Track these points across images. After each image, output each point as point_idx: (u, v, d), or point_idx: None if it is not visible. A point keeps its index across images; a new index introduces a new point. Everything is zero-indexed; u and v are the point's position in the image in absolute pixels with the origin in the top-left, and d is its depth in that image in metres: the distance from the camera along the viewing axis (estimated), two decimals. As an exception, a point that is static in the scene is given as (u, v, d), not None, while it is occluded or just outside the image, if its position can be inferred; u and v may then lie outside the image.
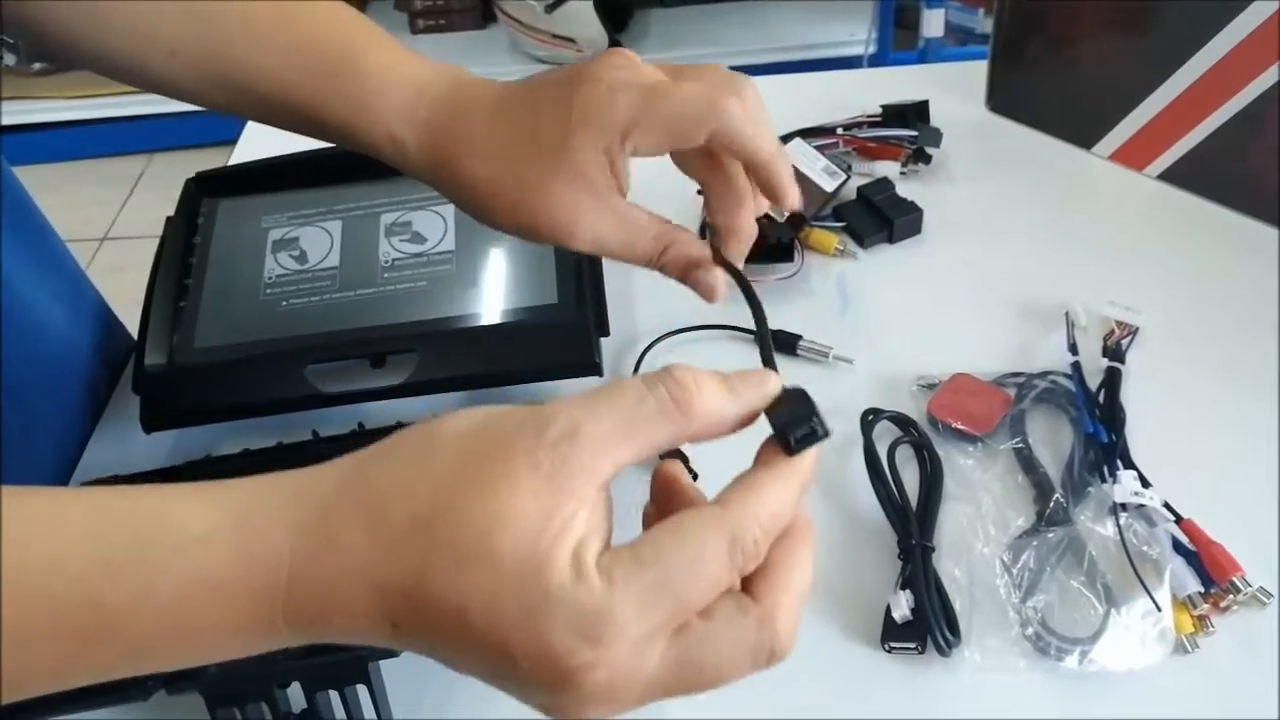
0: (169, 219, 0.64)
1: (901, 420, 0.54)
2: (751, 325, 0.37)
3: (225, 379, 0.56)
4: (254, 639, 0.29)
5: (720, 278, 0.42)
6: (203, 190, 0.66)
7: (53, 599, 0.27)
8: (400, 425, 0.52)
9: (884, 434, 0.54)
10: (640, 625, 0.27)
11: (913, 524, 0.49)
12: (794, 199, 0.41)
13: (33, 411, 0.56)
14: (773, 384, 0.31)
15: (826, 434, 0.30)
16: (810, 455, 0.30)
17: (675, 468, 0.33)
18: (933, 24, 1.84)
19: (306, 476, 0.30)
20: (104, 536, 0.28)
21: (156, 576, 0.28)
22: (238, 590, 0.28)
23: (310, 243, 0.62)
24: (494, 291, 0.59)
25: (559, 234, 0.41)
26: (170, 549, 0.28)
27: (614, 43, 1.98)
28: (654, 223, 0.42)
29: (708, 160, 0.42)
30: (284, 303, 0.59)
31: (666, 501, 0.32)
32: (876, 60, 1.93)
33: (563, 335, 0.56)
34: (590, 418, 0.28)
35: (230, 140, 0.79)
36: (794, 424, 0.30)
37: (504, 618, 0.27)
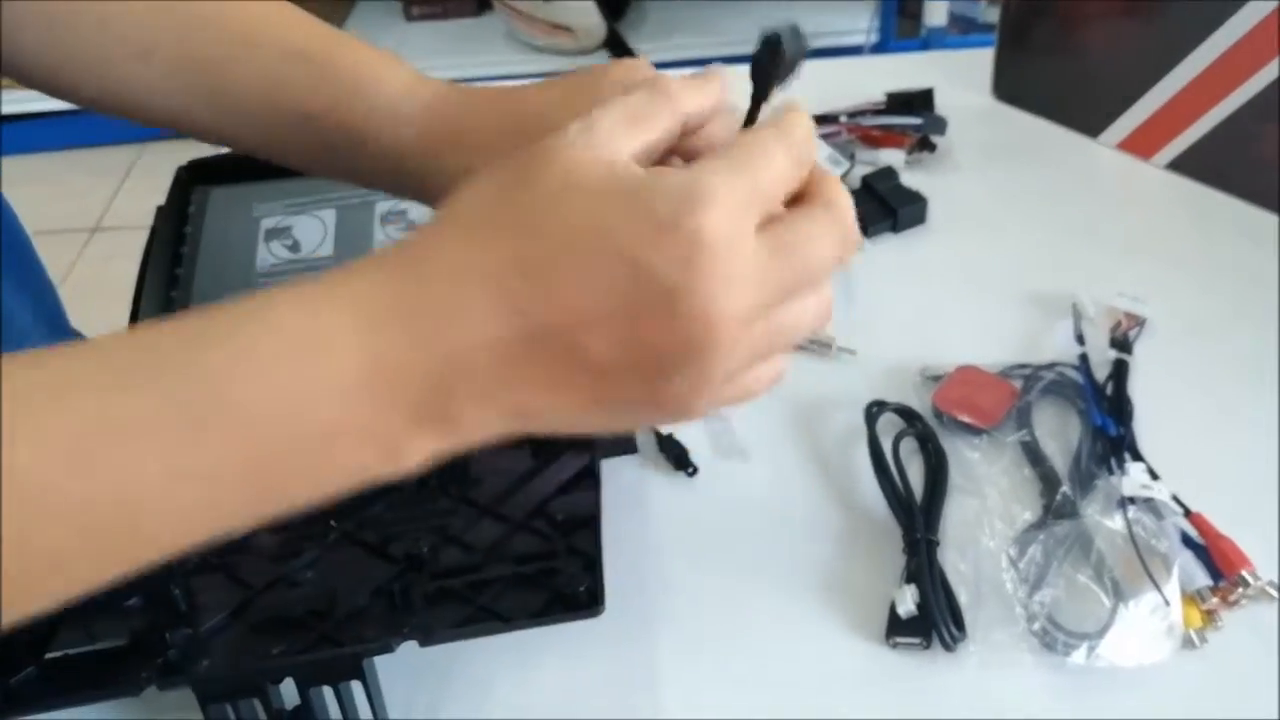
0: (160, 208, 0.63)
1: (906, 413, 0.53)
2: None
3: (218, 369, 0.55)
4: (370, 394, 0.28)
5: None
6: (194, 178, 0.65)
7: (156, 386, 0.26)
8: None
9: (888, 427, 0.53)
10: (728, 192, 0.29)
11: (917, 517, 0.48)
12: None
13: None
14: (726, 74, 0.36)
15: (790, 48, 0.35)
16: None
17: None
18: (935, 13, 1.83)
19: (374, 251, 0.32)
20: (195, 319, 0.28)
21: (258, 332, 0.28)
22: (345, 332, 0.28)
23: (304, 232, 0.61)
24: (491, 281, 0.58)
25: None
26: (266, 307, 0.29)
27: (612, 31, 1.96)
28: None
29: None
30: (277, 292, 0.58)
31: None
32: (878, 50, 1.91)
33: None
34: (599, 114, 0.31)
35: (223, 129, 0.77)
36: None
37: (611, 216, 0.28)
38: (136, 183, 2.06)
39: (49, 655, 0.42)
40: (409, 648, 0.42)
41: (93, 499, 0.25)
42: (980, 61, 0.76)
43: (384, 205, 0.62)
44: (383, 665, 0.43)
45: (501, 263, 0.28)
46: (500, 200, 0.29)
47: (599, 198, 0.29)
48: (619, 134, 0.31)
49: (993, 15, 1.86)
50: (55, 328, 0.63)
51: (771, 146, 0.31)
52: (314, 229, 0.61)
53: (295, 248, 0.61)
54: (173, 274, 0.60)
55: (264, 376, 0.27)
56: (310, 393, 0.27)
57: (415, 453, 0.30)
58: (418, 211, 0.61)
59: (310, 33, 0.44)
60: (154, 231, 0.62)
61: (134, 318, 0.57)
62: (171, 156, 0.68)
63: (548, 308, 0.28)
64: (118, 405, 0.26)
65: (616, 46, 1.97)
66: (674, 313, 0.28)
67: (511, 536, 0.46)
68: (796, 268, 0.30)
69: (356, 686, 0.42)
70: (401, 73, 0.44)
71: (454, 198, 0.31)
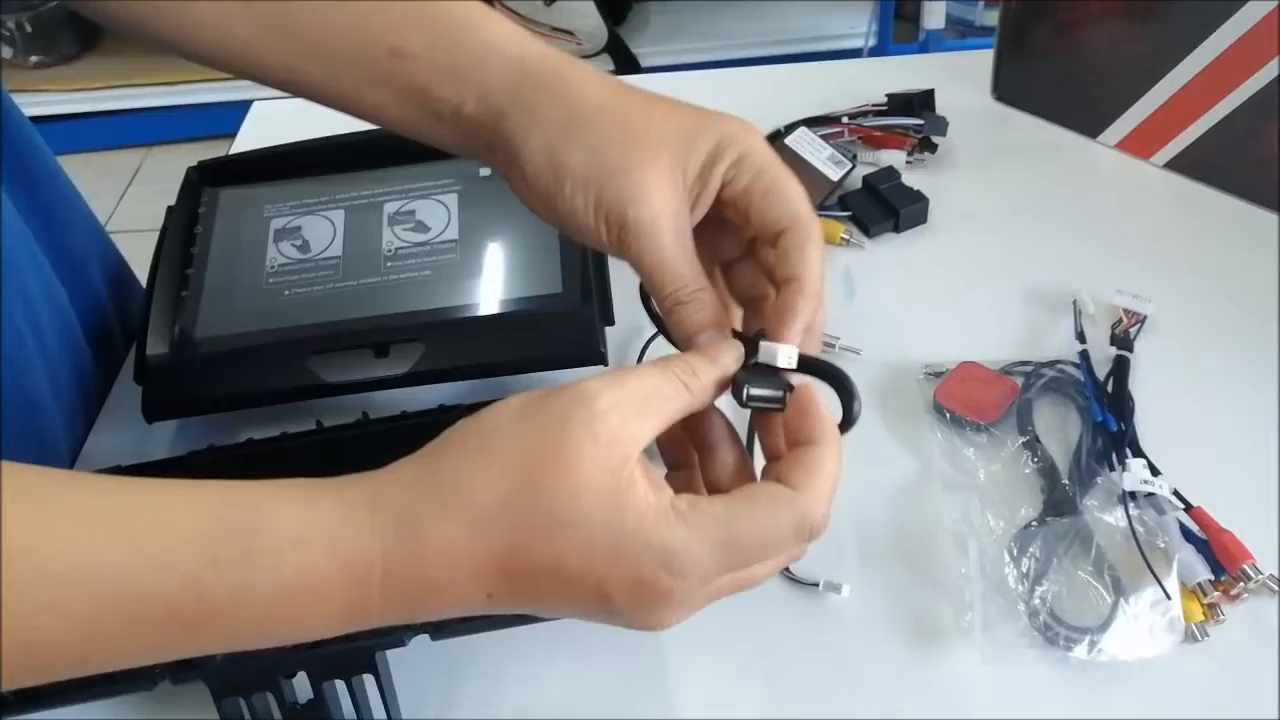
0: (170, 209, 0.64)
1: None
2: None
3: (228, 369, 0.56)
4: (344, 625, 0.33)
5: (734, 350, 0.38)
6: (204, 179, 0.65)
7: (165, 592, 0.30)
8: (404, 414, 0.52)
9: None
10: (710, 567, 0.33)
11: None
12: (794, 339, 0.38)
13: (39, 384, 0.55)
14: (735, 353, 0.37)
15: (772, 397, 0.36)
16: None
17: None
18: (933, 16, 1.83)
19: (379, 483, 0.33)
20: (211, 538, 0.31)
21: (258, 576, 0.31)
22: (333, 589, 0.31)
23: (313, 232, 0.62)
24: (498, 280, 0.59)
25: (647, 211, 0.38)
26: (271, 553, 0.31)
27: (613, 35, 1.97)
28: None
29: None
30: (286, 292, 0.59)
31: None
32: (876, 53, 1.92)
33: (567, 324, 0.56)
34: (627, 395, 0.33)
35: (228, 134, 0.78)
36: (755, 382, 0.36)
37: (598, 564, 0.32)
38: (142, 186, 2.07)
39: (64, 650, 0.42)
40: (420, 642, 0.42)
41: (89, 658, 0.31)
42: (980, 63, 0.76)
43: (392, 206, 0.63)
44: (395, 660, 0.44)
45: (493, 565, 0.32)
46: (508, 504, 0.32)
47: (595, 535, 0.31)
48: (639, 423, 0.33)
49: (990, 18, 1.86)
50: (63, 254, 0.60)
51: (780, 538, 0.33)
52: (323, 229, 0.62)
53: (305, 247, 0.61)
54: (183, 274, 0.60)
55: (262, 610, 0.31)
56: (297, 616, 0.32)
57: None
58: (425, 213, 0.62)
59: None
60: (164, 232, 0.62)
61: (145, 317, 0.58)
62: (176, 161, 0.69)
63: (517, 599, 0.33)
64: (134, 603, 0.30)
65: (618, 50, 1.98)
66: (628, 623, 0.34)
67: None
68: (752, 576, 0.34)
69: (369, 680, 0.43)
70: (506, 32, 0.41)
71: (467, 466, 0.32)
